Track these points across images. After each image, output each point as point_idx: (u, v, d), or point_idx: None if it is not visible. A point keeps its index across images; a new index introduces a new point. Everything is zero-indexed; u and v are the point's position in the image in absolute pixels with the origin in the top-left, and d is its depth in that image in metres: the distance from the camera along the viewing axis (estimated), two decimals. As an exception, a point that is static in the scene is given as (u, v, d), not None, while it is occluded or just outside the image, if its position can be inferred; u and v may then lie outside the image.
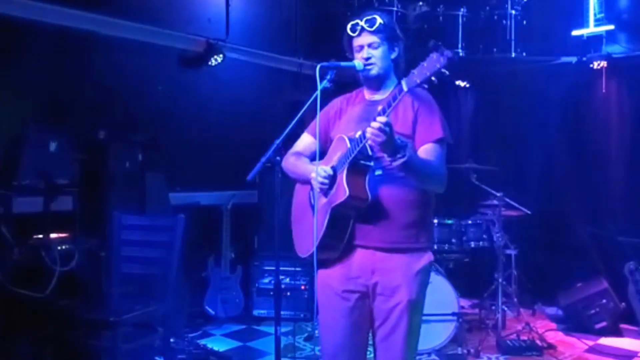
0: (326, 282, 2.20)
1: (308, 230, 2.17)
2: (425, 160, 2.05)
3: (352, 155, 2.00)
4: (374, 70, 2.15)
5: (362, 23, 2.13)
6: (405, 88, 1.87)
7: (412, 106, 2.12)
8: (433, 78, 1.81)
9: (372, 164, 2.04)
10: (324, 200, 2.12)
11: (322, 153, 2.25)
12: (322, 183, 2.09)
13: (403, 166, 1.90)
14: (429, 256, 2.17)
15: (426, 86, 1.88)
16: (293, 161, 2.33)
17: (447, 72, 1.79)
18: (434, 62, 1.78)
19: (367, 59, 2.14)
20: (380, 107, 1.93)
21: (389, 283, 2.09)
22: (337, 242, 2.12)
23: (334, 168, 2.12)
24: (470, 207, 4.83)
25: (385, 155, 1.94)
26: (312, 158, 2.27)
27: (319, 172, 2.10)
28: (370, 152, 2.00)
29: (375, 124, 1.84)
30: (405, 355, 2.09)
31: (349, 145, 2.04)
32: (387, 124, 1.84)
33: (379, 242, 2.10)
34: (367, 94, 2.26)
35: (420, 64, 1.83)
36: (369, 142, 1.90)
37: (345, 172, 2.02)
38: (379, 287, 2.11)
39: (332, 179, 2.10)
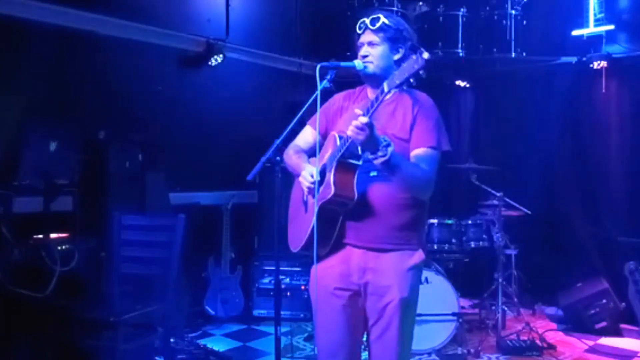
0: (319, 280, 2.20)
1: (299, 226, 2.23)
2: (412, 164, 2.05)
3: (340, 154, 2.02)
4: (370, 68, 2.16)
5: (367, 21, 2.16)
6: (386, 89, 1.87)
7: (412, 110, 2.13)
8: (412, 80, 1.81)
9: (360, 162, 2.04)
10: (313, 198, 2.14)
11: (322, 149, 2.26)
12: (308, 187, 2.15)
13: (385, 165, 1.91)
14: (420, 254, 2.16)
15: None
16: (292, 155, 2.35)
17: (423, 75, 1.79)
18: (412, 64, 1.79)
19: (364, 56, 2.16)
20: (360, 110, 1.93)
21: (379, 282, 2.10)
22: (326, 238, 2.13)
23: (324, 166, 2.13)
24: (470, 207, 4.83)
25: (367, 153, 1.94)
26: (312, 153, 2.28)
27: (304, 175, 2.16)
28: (360, 152, 2.00)
29: (356, 122, 1.85)
30: (400, 353, 2.10)
31: (338, 143, 2.06)
32: (368, 124, 1.85)
33: (370, 242, 2.11)
34: (370, 92, 2.26)
35: (401, 65, 1.84)
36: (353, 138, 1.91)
37: (333, 170, 2.04)
38: (370, 286, 2.12)
39: (322, 177, 2.11)
